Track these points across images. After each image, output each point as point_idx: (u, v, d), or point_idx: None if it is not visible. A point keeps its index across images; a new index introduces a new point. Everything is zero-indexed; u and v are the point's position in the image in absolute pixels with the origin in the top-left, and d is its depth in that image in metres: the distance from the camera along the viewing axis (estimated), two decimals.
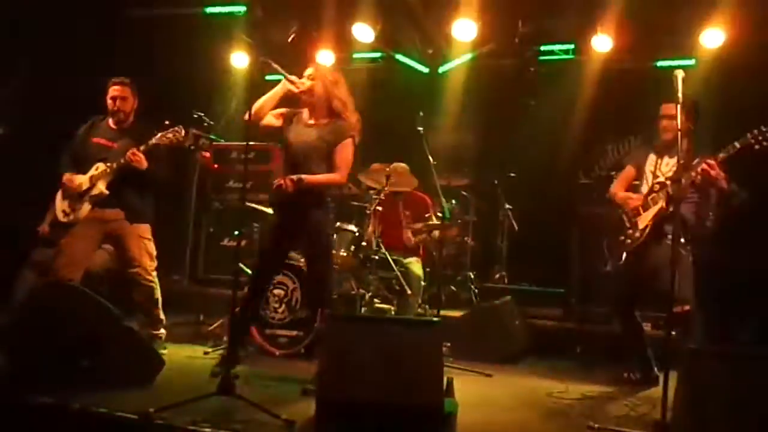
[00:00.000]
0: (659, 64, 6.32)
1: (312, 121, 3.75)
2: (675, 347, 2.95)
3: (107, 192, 4.12)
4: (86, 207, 4.13)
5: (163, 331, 4.28)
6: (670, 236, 3.72)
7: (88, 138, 4.28)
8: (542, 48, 6.67)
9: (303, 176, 3.52)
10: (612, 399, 3.68)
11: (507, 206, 6.34)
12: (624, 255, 3.93)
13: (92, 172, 4.16)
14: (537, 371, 4.45)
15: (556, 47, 6.64)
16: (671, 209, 3.69)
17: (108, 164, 4.13)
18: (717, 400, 2.32)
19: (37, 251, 5.10)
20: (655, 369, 3.99)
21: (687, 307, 3.56)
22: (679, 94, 3.07)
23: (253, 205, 4.72)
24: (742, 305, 5.03)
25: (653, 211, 3.82)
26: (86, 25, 6.05)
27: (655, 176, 3.87)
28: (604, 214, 4.64)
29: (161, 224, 4.49)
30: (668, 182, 3.75)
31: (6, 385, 2.99)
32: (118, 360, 3.22)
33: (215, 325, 4.96)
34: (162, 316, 4.27)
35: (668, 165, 3.85)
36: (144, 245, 4.21)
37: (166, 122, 4.40)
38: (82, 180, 4.17)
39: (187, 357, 4.20)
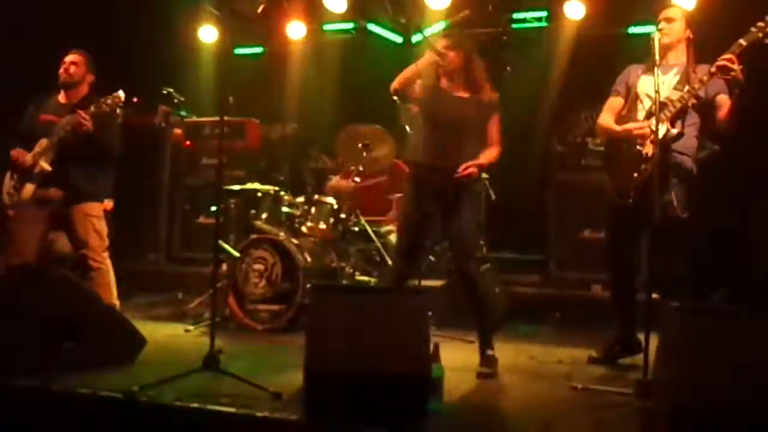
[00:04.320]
0: (631, 30, 6.34)
1: (458, 94, 3.65)
2: (657, 308, 2.94)
3: (49, 168, 3.90)
4: (29, 187, 3.92)
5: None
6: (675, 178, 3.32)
7: (36, 115, 4.09)
8: (515, 16, 6.65)
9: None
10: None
11: (484, 175, 6.33)
12: (632, 192, 3.38)
13: (36, 149, 3.95)
14: (518, 337, 4.51)
15: (529, 14, 6.62)
16: (677, 130, 3.27)
17: (50, 138, 3.93)
18: (699, 358, 2.37)
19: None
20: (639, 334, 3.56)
21: None
22: (656, 57, 3.08)
23: (231, 188, 4.68)
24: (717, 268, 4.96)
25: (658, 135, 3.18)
26: None
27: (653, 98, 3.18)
28: (583, 179, 4.65)
29: (134, 204, 4.42)
30: (669, 101, 3.31)
31: None
32: (98, 340, 3.18)
33: (195, 303, 4.91)
34: (115, 301, 4.02)
35: (666, 84, 3.38)
36: (91, 224, 4.01)
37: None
38: (26, 159, 3.96)
39: (167, 335, 4.16)
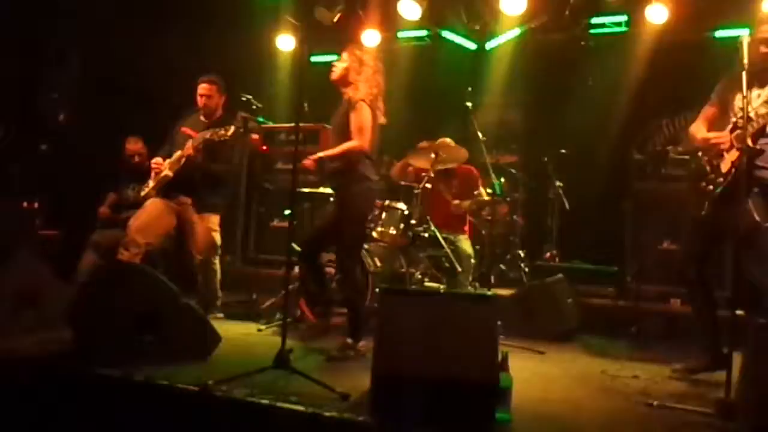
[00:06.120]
0: (717, 34, 6.06)
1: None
2: (742, 325, 2.80)
3: (171, 174, 4.39)
4: (150, 184, 4.48)
5: (218, 303, 4.70)
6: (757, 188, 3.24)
7: (179, 128, 4.61)
8: (593, 21, 6.50)
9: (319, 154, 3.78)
10: (670, 377, 3.58)
11: (558, 183, 6.22)
12: (707, 204, 3.37)
13: (172, 158, 4.48)
14: (590, 350, 4.38)
15: (608, 19, 6.45)
16: (759, 146, 3.22)
17: (182, 151, 4.40)
18: None
19: (97, 232, 5.31)
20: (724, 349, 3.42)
21: None
22: (745, 61, 2.94)
23: (304, 189, 4.80)
24: None
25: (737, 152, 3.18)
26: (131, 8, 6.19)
27: (742, 111, 3.10)
28: (663, 189, 4.45)
29: None
30: (757, 116, 3.24)
31: (74, 358, 3.12)
32: (177, 335, 3.32)
33: (268, 303, 5.04)
34: (219, 293, 4.62)
35: (762, 97, 3.30)
36: (211, 237, 4.54)
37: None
38: (163, 166, 4.49)
39: (241, 334, 4.29)
